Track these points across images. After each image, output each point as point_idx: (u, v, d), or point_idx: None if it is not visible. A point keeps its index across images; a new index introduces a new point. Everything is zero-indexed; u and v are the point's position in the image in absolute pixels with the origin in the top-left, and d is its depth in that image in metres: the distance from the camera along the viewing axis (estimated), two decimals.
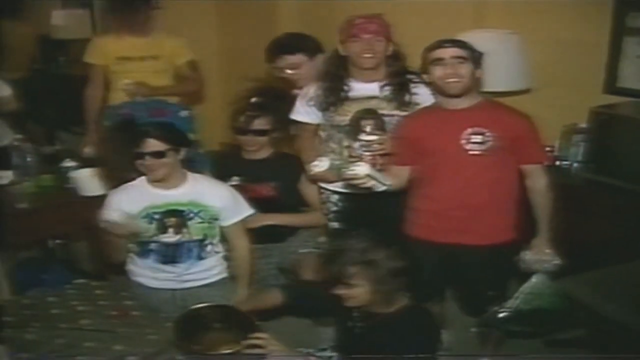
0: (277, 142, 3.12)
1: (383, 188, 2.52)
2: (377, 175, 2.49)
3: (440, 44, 2.54)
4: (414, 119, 2.69)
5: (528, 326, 2.57)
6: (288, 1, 4.76)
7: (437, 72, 2.53)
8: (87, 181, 3.29)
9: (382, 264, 2.21)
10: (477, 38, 2.72)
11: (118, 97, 3.67)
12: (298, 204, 3.15)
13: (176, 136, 2.70)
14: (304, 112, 2.96)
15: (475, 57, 2.52)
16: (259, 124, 3.01)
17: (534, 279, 2.55)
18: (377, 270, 2.20)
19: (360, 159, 2.74)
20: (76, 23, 5.67)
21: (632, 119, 2.92)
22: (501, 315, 2.55)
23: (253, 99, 3.04)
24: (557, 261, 2.54)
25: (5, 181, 3.30)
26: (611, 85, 3.20)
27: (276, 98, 3.05)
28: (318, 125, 2.95)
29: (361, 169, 2.46)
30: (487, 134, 2.48)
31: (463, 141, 2.50)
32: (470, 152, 2.50)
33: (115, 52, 3.75)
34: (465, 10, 3.63)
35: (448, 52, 2.51)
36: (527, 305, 2.53)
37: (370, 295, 2.23)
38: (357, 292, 2.23)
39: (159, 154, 2.62)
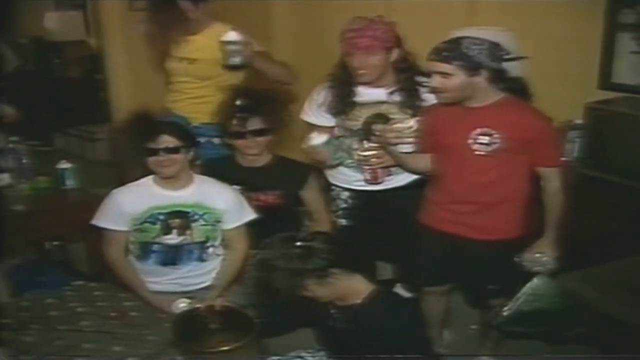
0: (275, 146, 3.04)
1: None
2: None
3: (430, 55, 2.48)
4: (434, 111, 2.65)
5: (529, 327, 2.56)
6: (282, 1, 4.76)
7: (432, 82, 2.50)
8: None
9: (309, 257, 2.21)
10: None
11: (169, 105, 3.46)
12: (302, 211, 3.11)
13: (187, 135, 2.75)
14: (315, 115, 2.93)
15: (471, 65, 2.40)
16: (254, 123, 2.90)
17: (535, 280, 2.53)
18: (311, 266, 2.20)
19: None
20: (69, 25, 5.66)
21: (628, 115, 2.94)
22: (503, 315, 2.55)
23: (238, 102, 2.94)
24: (550, 264, 2.53)
25: (1, 183, 3.30)
26: (606, 81, 3.21)
27: (260, 99, 2.97)
28: (332, 127, 2.91)
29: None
30: (495, 135, 2.46)
31: (470, 141, 2.49)
32: (476, 152, 2.50)
33: (171, 50, 3.38)
34: (457, 8, 3.63)
35: (434, 67, 2.46)
36: (528, 306, 2.52)
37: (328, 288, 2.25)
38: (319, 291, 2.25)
39: (173, 150, 2.64)
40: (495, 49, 2.43)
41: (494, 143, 2.47)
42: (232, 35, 2.91)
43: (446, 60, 2.42)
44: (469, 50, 2.39)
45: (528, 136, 2.47)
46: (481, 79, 2.44)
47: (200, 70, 3.30)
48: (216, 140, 3.19)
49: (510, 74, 2.59)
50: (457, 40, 2.44)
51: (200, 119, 3.24)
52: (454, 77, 2.42)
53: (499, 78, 2.49)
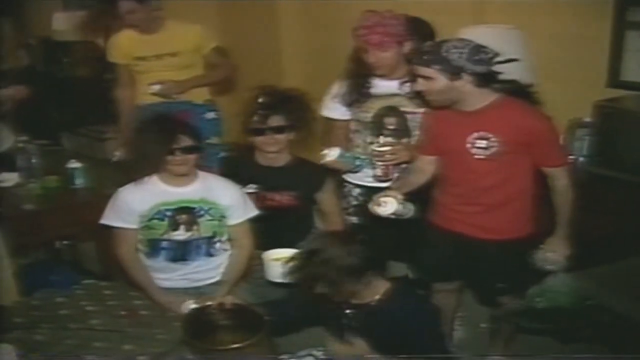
0: (295, 146, 3.06)
1: (408, 216, 2.56)
2: (402, 210, 2.52)
3: (413, 59, 2.49)
4: (434, 115, 2.64)
5: (544, 323, 2.56)
6: (288, 1, 4.76)
7: (417, 85, 2.52)
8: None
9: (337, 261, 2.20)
10: (478, 34, 2.70)
11: (146, 97, 3.61)
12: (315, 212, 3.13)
13: (200, 134, 2.81)
14: (331, 108, 2.97)
15: (450, 69, 2.37)
16: (274, 120, 2.93)
17: (551, 278, 2.53)
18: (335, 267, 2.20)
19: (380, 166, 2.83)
20: (78, 25, 5.66)
21: (636, 113, 2.93)
22: (517, 311, 2.58)
23: (260, 99, 2.99)
24: (562, 263, 2.53)
25: (11, 183, 3.32)
26: (614, 79, 3.20)
27: (283, 98, 3.00)
28: (348, 121, 2.95)
29: (386, 208, 2.50)
30: (493, 139, 2.44)
31: (469, 145, 2.49)
32: (476, 157, 2.49)
33: (132, 52, 3.61)
34: (466, 6, 3.63)
35: (416, 70, 2.47)
36: (544, 303, 2.52)
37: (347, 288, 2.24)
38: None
39: (190, 150, 2.68)
40: (478, 52, 2.39)
41: (492, 146, 2.46)
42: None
43: (426, 63, 2.42)
44: (449, 54, 2.37)
45: (526, 138, 2.44)
46: (463, 83, 2.41)
47: (184, 60, 3.59)
48: (215, 115, 3.72)
49: (502, 76, 2.55)
50: (439, 44, 2.43)
51: (201, 98, 3.70)
52: (436, 81, 2.42)
53: (488, 81, 2.46)
